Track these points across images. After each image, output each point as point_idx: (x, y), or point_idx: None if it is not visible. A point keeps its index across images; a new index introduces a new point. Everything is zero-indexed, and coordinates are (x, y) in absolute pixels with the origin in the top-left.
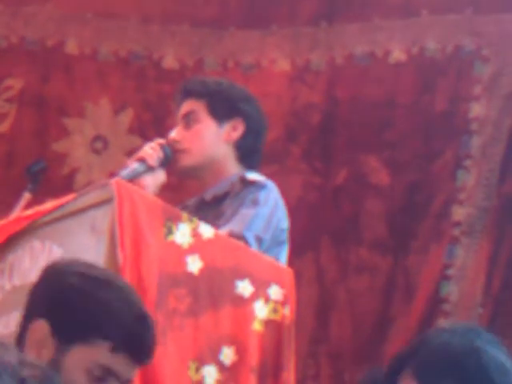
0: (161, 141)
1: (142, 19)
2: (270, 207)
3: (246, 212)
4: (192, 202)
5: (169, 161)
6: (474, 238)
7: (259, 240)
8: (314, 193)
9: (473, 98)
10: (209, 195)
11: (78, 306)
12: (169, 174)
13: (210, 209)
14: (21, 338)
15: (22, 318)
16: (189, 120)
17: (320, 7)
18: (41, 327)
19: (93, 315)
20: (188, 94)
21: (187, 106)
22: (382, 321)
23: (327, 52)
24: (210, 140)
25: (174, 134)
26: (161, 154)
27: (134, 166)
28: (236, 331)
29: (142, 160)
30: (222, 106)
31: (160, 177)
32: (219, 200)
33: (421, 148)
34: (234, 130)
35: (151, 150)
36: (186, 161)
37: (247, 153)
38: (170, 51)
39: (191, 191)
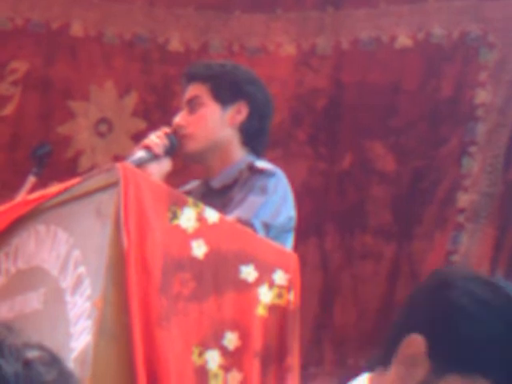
0: (167, 129)
1: (148, 2)
2: (278, 195)
3: (255, 199)
4: (195, 187)
5: (174, 149)
6: (478, 225)
7: (267, 227)
8: (318, 178)
9: (478, 85)
10: (217, 183)
11: (464, 332)
12: (173, 158)
13: (218, 197)
14: (391, 346)
15: (398, 326)
16: (193, 104)
17: None
18: (417, 344)
19: (480, 348)
20: (192, 78)
21: (192, 90)
22: (386, 307)
23: (333, 37)
24: (214, 124)
25: (178, 119)
26: (166, 143)
27: (139, 153)
28: (240, 316)
29: (147, 148)
30: (226, 90)
31: (165, 165)
32: (227, 188)
33: (426, 134)
34: (238, 113)
35: (157, 139)
36: (191, 146)
37: (252, 136)
38: (175, 34)
39: (195, 175)
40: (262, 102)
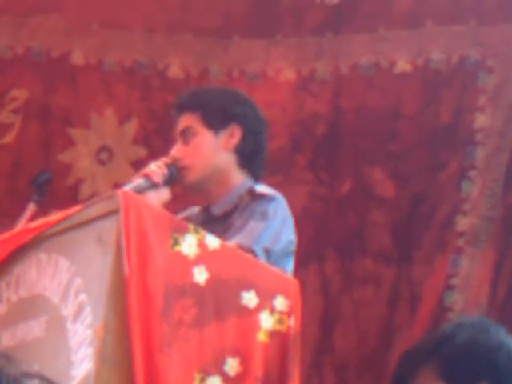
0: (166, 159)
1: (147, 29)
2: (278, 220)
3: (255, 225)
4: (194, 213)
5: (174, 179)
6: (478, 248)
7: (268, 252)
8: (318, 203)
9: (477, 109)
10: (217, 210)
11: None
12: (172, 187)
13: (219, 223)
14: None
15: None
16: (186, 135)
17: (325, 17)
18: None
19: None
20: (182, 108)
21: (183, 121)
22: (386, 331)
23: (332, 62)
24: (209, 151)
25: (174, 152)
26: (166, 172)
27: (138, 181)
28: (241, 342)
29: (146, 176)
30: (216, 115)
31: (164, 194)
32: (228, 214)
33: (425, 159)
34: (232, 136)
35: (156, 168)
36: (190, 177)
37: (249, 156)
38: (175, 61)
39: (194, 201)
40: (253, 121)
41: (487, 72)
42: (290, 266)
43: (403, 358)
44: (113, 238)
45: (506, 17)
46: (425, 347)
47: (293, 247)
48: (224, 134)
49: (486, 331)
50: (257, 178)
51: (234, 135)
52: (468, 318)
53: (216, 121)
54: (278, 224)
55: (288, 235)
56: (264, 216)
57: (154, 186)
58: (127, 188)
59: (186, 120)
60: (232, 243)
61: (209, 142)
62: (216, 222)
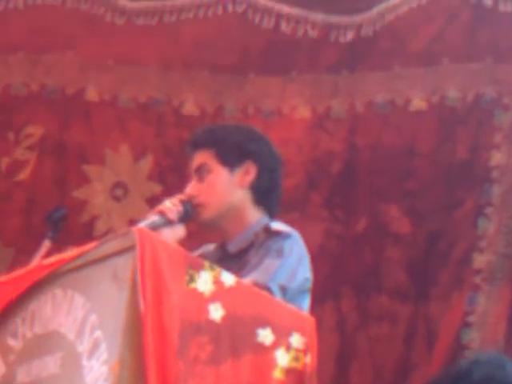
0: (182, 196)
1: (162, 65)
2: (294, 257)
3: (271, 262)
4: (209, 251)
5: (189, 216)
6: (494, 286)
7: (284, 290)
8: (334, 241)
9: (493, 147)
10: (233, 248)
11: None
12: (187, 224)
13: (235, 261)
14: None
15: None
16: (201, 172)
17: (341, 55)
18: None
19: None
20: (197, 145)
21: (198, 158)
22: (403, 369)
23: (348, 100)
24: (225, 189)
25: (189, 189)
26: (181, 209)
27: (153, 218)
28: (257, 379)
29: (161, 213)
30: (231, 152)
31: (179, 231)
32: (243, 251)
33: (442, 197)
34: (247, 173)
35: (172, 205)
36: (206, 214)
37: (264, 193)
38: (190, 97)
39: (210, 238)
40: (268, 158)
41: (503, 110)
42: (307, 303)
43: None
44: (128, 274)
45: None
46: (442, 383)
47: (309, 284)
48: (239, 171)
49: (503, 368)
50: (272, 215)
51: (249, 172)
52: (484, 354)
53: (231, 158)
54: (294, 261)
55: (304, 272)
56: (280, 253)
57: (168, 223)
58: (142, 225)
59: (201, 157)
60: (248, 280)
61: (224, 179)
62: (232, 260)
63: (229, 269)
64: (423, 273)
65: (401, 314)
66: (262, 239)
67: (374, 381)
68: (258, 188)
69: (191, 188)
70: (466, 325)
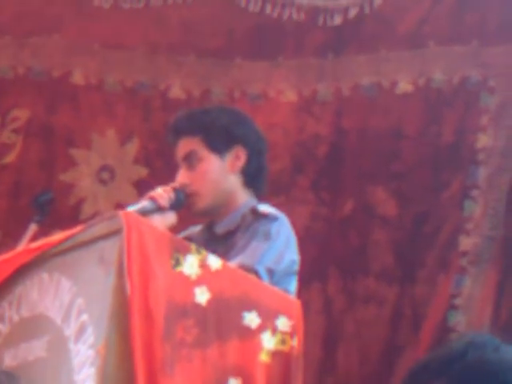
0: (175, 184)
1: (149, 49)
2: (281, 240)
3: (258, 245)
4: (197, 232)
5: (181, 205)
6: (481, 268)
7: (271, 272)
8: (320, 223)
9: (479, 129)
10: (220, 229)
11: None
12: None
13: (221, 242)
14: None
15: None
16: (191, 160)
17: (327, 38)
18: None
19: None
20: (181, 132)
21: (184, 145)
22: (389, 351)
23: (334, 83)
24: (218, 176)
25: (180, 179)
26: (173, 197)
27: (143, 203)
28: (243, 363)
29: (152, 199)
30: (219, 138)
31: (170, 218)
32: (231, 233)
33: (428, 179)
34: (237, 158)
35: (163, 192)
36: (201, 203)
37: (254, 176)
38: (177, 82)
39: (196, 220)
40: (256, 141)
41: (489, 92)
42: (293, 286)
43: (410, 376)
44: (115, 258)
45: (507, 37)
46: (434, 364)
47: (296, 267)
48: (229, 157)
49: (497, 350)
50: (259, 195)
51: (239, 157)
52: (479, 335)
53: (220, 143)
54: (281, 244)
55: (291, 255)
56: (267, 236)
57: (159, 209)
58: (132, 209)
59: (188, 144)
60: (235, 263)
61: (216, 167)
62: (218, 241)
63: (215, 251)
64: (410, 255)
65: (387, 297)
66: (249, 221)
67: (360, 363)
68: (248, 172)
69: (182, 176)
70: (453, 307)
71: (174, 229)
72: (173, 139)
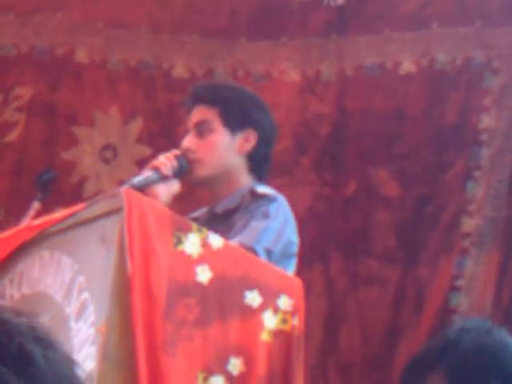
0: (176, 152)
1: (152, 29)
2: (280, 220)
3: (257, 225)
4: (202, 213)
5: (184, 172)
6: (483, 249)
7: (269, 252)
8: (323, 204)
9: (483, 110)
10: (220, 208)
11: None
12: (180, 182)
13: (221, 222)
14: None
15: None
16: (202, 129)
17: (330, 19)
18: None
19: None
20: (199, 100)
21: (199, 113)
22: (391, 332)
23: (337, 63)
24: (224, 151)
25: (186, 143)
26: (175, 164)
27: (147, 173)
28: (244, 342)
29: (155, 168)
30: (235, 116)
31: (173, 187)
32: (230, 213)
33: (431, 160)
34: (247, 141)
35: (166, 160)
36: (201, 171)
37: (259, 163)
38: (180, 61)
39: (200, 201)
40: (268, 129)
41: (493, 73)
42: (292, 268)
43: (409, 367)
44: (116, 236)
45: (510, 18)
46: (430, 354)
47: (295, 249)
48: (240, 137)
49: (490, 333)
50: (262, 181)
51: (249, 140)
52: (470, 320)
53: (235, 121)
54: (279, 224)
55: (289, 236)
56: (266, 216)
57: (163, 178)
58: (135, 180)
59: (203, 113)
60: (234, 243)
61: (225, 142)
62: (218, 221)
63: (215, 230)
64: (412, 236)
65: (389, 278)
66: (247, 202)
67: (362, 344)
68: (254, 157)
69: (189, 141)
70: (455, 289)
71: (180, 208)
72: (189, 104)
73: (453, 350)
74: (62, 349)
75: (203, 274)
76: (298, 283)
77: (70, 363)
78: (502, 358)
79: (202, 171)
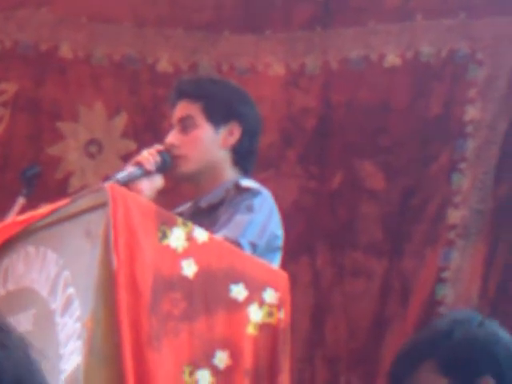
0: (160, 147)
1: (136, 23)
2: (264, 214)
3: (241, 218)
4: (186, 208)
5: (167, 167)
6: (469, 241)
7: (254, 246)
8: (309, 197)
9: (467, 102)
10: (204, 203)
11: None
12: (164, 177)
13: (205, 216)
14: None
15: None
16: (185, 124)
17: (315, 11)
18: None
19: None
20: (183, 95)
21: (183, 108)
22: (377, 324)
23: (322, 56)
24: (208, 146)
25: (170, 139)
26: (158, 160)
27: (130, 169)
28: (230, 335)
29: (138, 164)
30: (219, 110)
31: (157, 182)
32: (214, 207)
33: (416, 152)
34: (231, 134)
35: (149, 155)
36: (185, 167)
37: (244, 156)
38: (164, 55)
39: (185, 195)
40: (253, 122)
41: (477, 65)
42: (277, 261)
43: (400, 356)
44: (101, 231)
45: (494, 10)
46: (422, 344)
47: (279, 242)
48: (224, 131)
49: (482, 325)
50: (247, 175)
51: (233, 133)
52: (461, 312)
53: (218, 115)
54: (264, 218)
55: (274, 229)
56: (250, 209)
57: (146, 173)
58: (119, 176)
59: (186, 108)
60: (218, 236)
61: (208, 137)
62: (203, 215)
63: (200, 224)
64: (398, 228)
65: (375, 270)
66: (232, 196)
67: (348, 336)
68: (238, 150)
69: (173, 137)
70: (441, 280)
71: (164, 203)
72: (173, 99)
73: (446, 340)
74: (16, 334)
75: (188, 268)
76: (284, 276)
77: (25, 348)
78: (494, 350)
79: (187, 167)
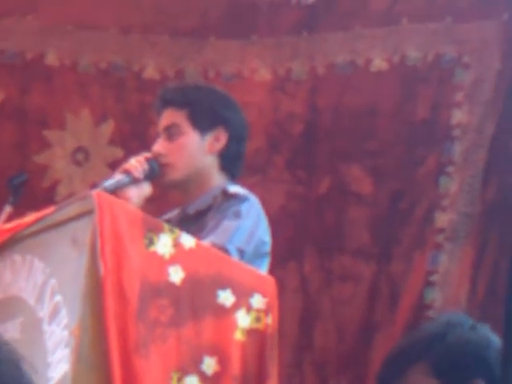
0: (147, 154)
1: (122, 30)
2: (252, 220)
3: (229, 224)
4: (174, 215)
5: (155, 175)
6: (457, 245)
7: (241, 252)
8: (297, 202)
9: (454, 105)
10: (192, 209)
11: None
12: (152, 185)
13: (193, 222)
14: None
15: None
16: (171, 132)
17: (301, 16)
18: None
19: None
20: (168, 103)
21: (168, 116)
22: (366, 329)
23: (308, 61)
24: (195, 153)
25: (157, 147)
26: (146, 167)
27: (118, 177)
28: (218, 341)
29: (127, 172)
30: (204, 117)
31: (145, 189)
32: (202, 214)
33: (403, 156)
34: (217, 140)
35: (137, 163)
36: (173, 175)
37: (231, 161)
38: (151, 62)
39: (173, 202)
40: (239, 127)
41: (464, 68)
42: (264, 267)
43: (390, 358)
44: (87, 238)
45: (480, 14)
46: (414, 347)
47: (267, 248)
48: (210, 137)
49: (474, 329)
50: (234, 179)
51: (219, 139)
52: (453, 315)
53: (204, 122)
54: (251, 224)
55: (262, 235)
56: (237, 215)
57: (134, 181)
58: (107, 184)
59: (172, 116)
60: (206, 243)
61: (194, 144)
62: (190, 222)
63: (187, 231)
64: (386, 232)
65: (364, 274)
66: (219, 202)
67: (337, 341)
68: (225, 155)
69: (159, 146)
70: (429, 284)
71: (152, 210)
72: (159, 108)
73: (439, 343)
74: (7, 347)
75: (175, 274)
76: (271, 281)
77: (16, 361)
78: (485, 354)
79: (174, 175)
